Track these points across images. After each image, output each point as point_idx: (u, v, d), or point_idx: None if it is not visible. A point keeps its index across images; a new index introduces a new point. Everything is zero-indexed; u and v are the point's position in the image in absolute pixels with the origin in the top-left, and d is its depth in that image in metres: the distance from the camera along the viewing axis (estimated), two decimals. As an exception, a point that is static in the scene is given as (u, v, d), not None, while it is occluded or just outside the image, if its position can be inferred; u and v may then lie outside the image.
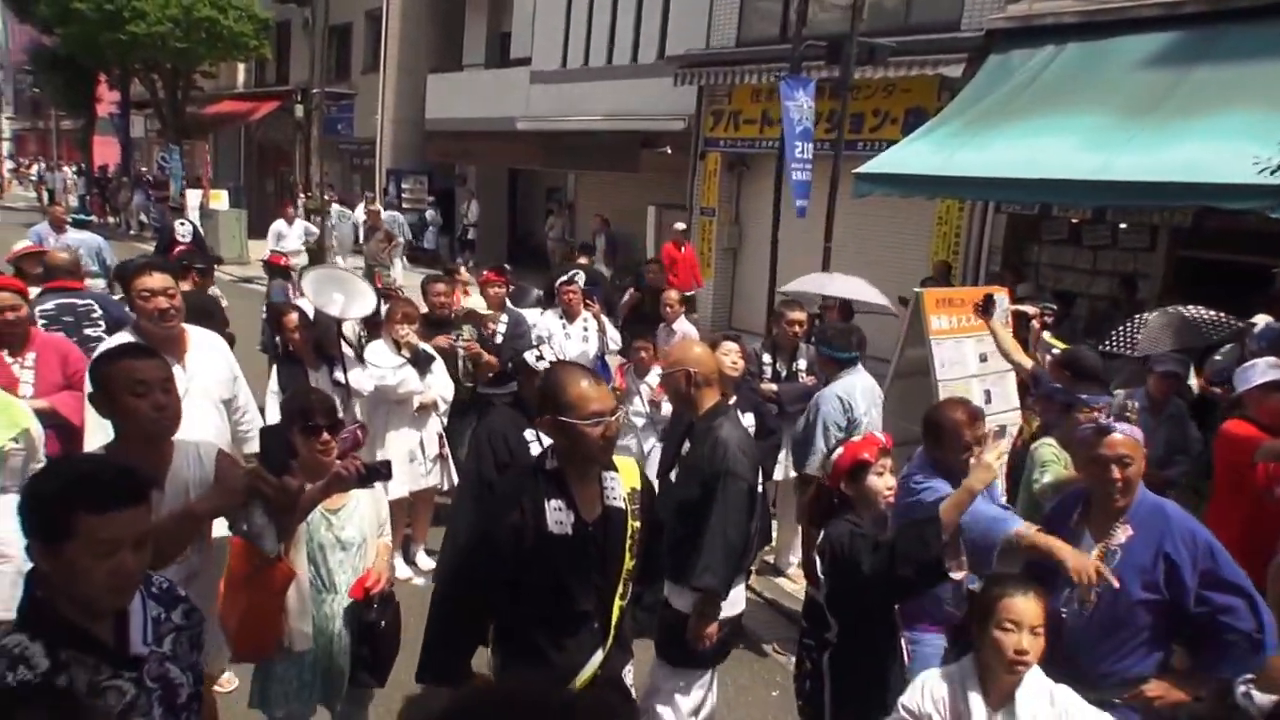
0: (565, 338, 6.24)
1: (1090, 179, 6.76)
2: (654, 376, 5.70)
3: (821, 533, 2.70)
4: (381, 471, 2.55)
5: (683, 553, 2.99)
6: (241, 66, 26.45)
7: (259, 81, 26.45)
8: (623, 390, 5.87)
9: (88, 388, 2.72)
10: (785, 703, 4.03)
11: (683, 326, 6.83)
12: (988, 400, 5.14)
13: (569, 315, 6.39)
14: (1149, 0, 8.21)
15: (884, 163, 8.48)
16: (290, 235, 13.12)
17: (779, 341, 5.35)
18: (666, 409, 4.74)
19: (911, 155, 8.41)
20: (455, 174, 20.89)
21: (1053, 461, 3.53)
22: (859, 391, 4.41)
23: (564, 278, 6.67)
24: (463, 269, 9.65)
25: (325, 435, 2.86)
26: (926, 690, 2.28)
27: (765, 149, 12.60)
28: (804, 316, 5.33)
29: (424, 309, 5.60)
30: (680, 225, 12.05)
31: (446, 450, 5.24)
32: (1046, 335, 5.60)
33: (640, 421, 5.41)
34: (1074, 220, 9.82)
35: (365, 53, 22.01)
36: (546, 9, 16.74)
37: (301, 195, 18.13)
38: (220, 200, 18.86)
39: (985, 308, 4.81)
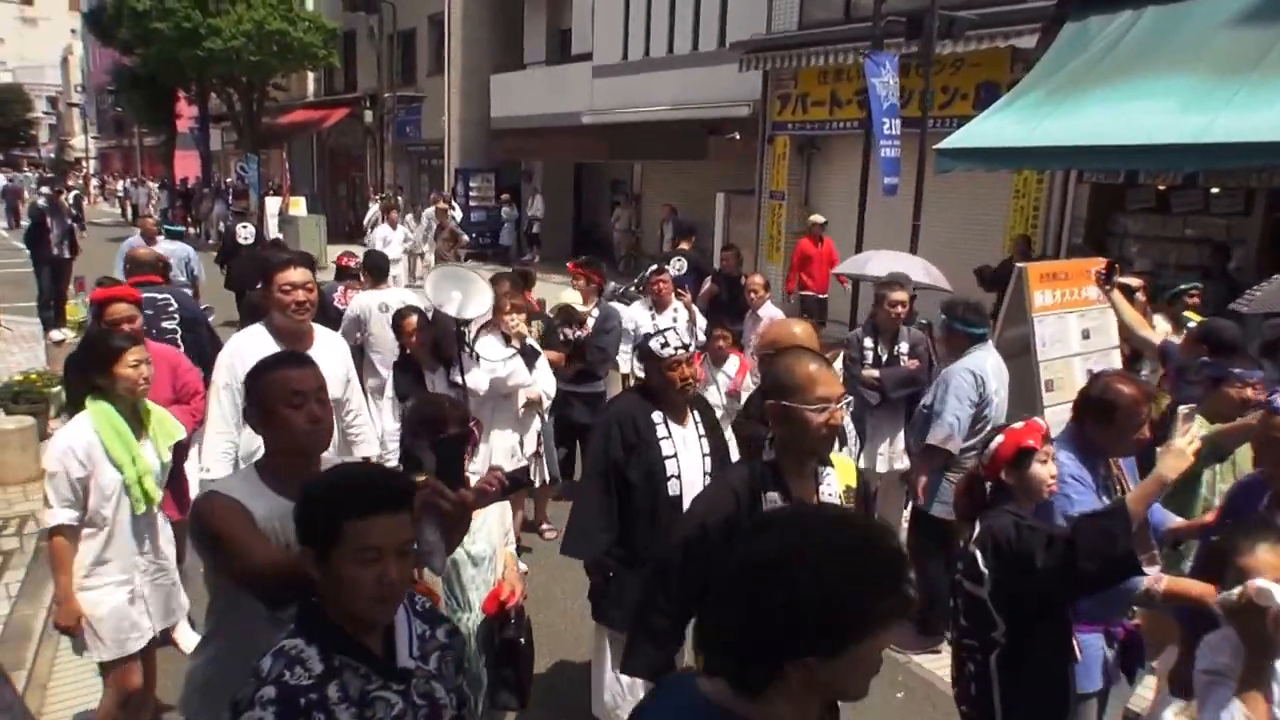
0: (654, 328, 6.28)
1: (1191, 142, 6.54)
2: (731, 365, 5.66)
3: (977, 525, 2.52)
4: (521, 479, 2.38)
5: None
6: (311, 76, 27.22)
7: (328, 90, 27.16)
8: (700, 379, 5.87)
9: (238, 400, 2.69)
10: (911, 706, 3.94)
11: (769, 311, 6.81)
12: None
13: (659, 305, 6.42)
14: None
15: (965, 137, 8.33)
16: (395, 240, 13.62)
17: (879, 324, 4.99)
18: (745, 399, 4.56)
19: (993, 128, 8.26)
20: (521, 170, 21.19)
21: (1202, 428, 3.29)
22: (989, 369, 4.17)
23: (654, 267, 6.71)
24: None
25: None
26: (1216, 650, 2.10)
27: (836, 130, 12.52)
28: (906, 297, 5.00)
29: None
30: (818, 218, 10.86)
31: (544, 447, 5.24)
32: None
33: (719, 413, 5.42)
34: (1161, 187, 9.51)
35: (429, 56, 22.43)
36: (605, 3, 16.85)
37: (374, 199, 18.62)
38: (299, 207, 19.48)
39: (1108, 277, 4.61)
